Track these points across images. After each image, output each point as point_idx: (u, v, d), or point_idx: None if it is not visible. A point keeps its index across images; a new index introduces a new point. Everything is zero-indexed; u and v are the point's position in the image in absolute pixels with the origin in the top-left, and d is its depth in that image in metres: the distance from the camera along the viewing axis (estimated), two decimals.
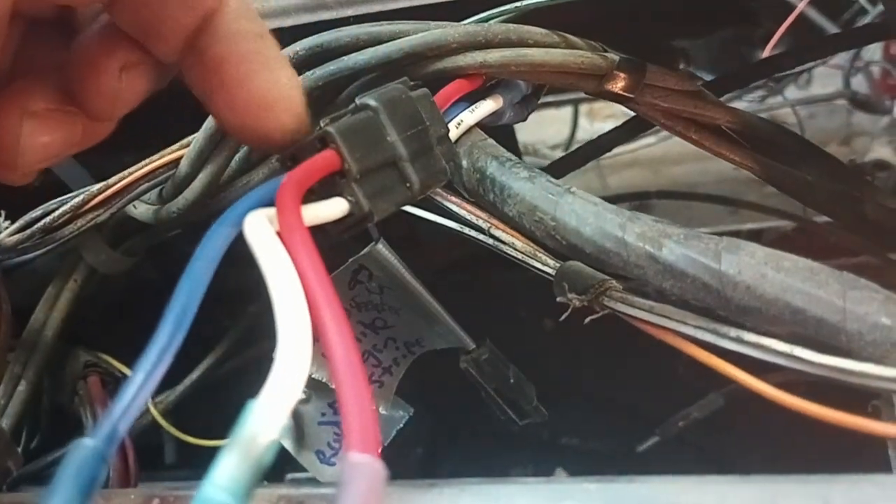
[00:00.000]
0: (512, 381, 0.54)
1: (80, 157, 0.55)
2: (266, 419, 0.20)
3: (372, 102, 0.31)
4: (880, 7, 0.83)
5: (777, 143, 0.47)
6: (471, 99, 0.40)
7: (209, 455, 0.19)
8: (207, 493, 0.18)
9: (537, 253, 0.38)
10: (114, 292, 0.65)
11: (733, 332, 0.28)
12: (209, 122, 0.43)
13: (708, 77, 0.55)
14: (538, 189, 0.33)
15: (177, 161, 0.46)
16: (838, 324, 0.25)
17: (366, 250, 0.53)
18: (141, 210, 0.49)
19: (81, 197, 0.45)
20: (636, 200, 0.80)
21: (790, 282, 0.26)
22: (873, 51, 1.18)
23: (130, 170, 0.46)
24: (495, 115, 0.40)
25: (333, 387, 0.58)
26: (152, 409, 0.62)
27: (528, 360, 0.61)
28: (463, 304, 0.57)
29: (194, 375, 0.63)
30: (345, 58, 0.39)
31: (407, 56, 0.38)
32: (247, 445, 0.19)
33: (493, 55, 0.38)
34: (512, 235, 0.40)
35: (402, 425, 0.62)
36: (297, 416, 0.62)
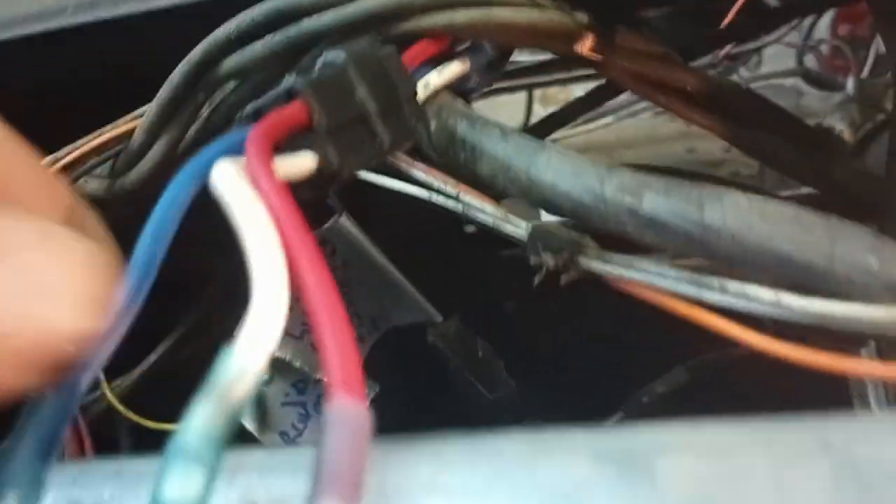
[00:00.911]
0: (480, 354, 0.53)
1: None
2: (244, 365, 0.19)
3: (341, 57, 0.30)
4: None
5: (745, 107, 0.47)
6: (437, 62, 0.39)
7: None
8: (181, 442, 0.17)
9: (508, 215, 0.37)
10: None
11: (716, 282, 0.28)
12: (164, 90, 0.41)
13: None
14: (512, 146, 0.32)
15: (129, 133, 0.44)
16: (826, 267, 0.25)
17: (329, 223, 0.52)
18: (93, 186, 0.47)
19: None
20: None
21: (776, 229, 0.26)
22: (823, 30, 1.20)
23: (80, 143, 0.43)
24: (462, 78, 0.39)
25: (297, 364, 0.57)
26: (108, 394, 0.60)
27: (491, 339, 0.60)
28: (427, 279, 0.56)
29: (151, 359, 0.61)
30: (305, 20, 0.38)
31: (371, 17, 0.37)
32: (223, 393, 0.18)
33: (460, 15, 0.37)
34: (482, 200, 0.39)
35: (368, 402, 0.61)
36: (260, 397, 0.60)
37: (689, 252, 0.28)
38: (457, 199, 0.40)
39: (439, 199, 0.41)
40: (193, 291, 0.63)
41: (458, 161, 0.34)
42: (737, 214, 0.27)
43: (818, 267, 0.25)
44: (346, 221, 0.50)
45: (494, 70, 0.44)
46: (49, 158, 0.43)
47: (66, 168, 0.43)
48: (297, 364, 0.56)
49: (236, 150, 0.24)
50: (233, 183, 0.22)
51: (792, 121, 0.48)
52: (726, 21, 0.62)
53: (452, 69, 0.38)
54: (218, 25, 0.40)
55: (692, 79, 0.44)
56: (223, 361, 0.18)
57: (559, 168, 0.30)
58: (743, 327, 0.28)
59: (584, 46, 0.41)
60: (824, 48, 1.22)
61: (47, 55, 0.46)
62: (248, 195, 0.21)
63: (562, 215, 0.31)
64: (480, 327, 0.59)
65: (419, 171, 0.41)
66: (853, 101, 1.03)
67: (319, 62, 0.30)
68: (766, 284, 0.27)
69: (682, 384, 0.86)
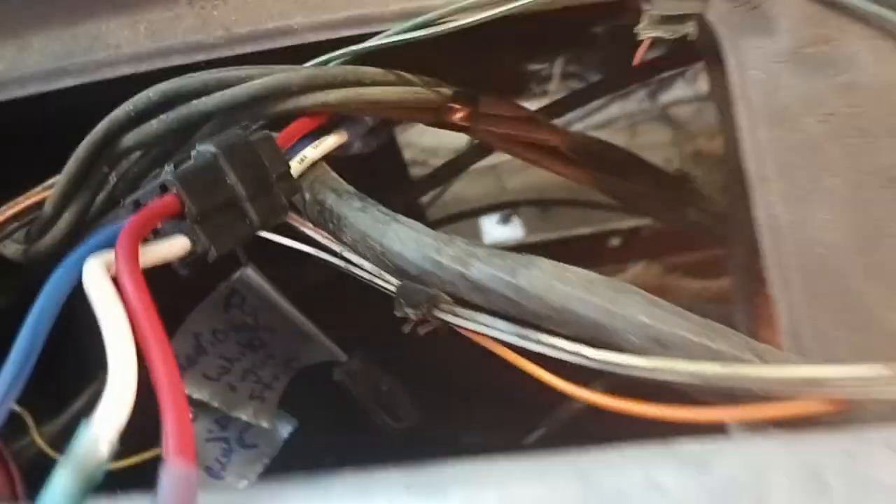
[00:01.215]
0: (384, 388, 0.58)
1: None
2: (97, 438, 0.23)
3: (211, 149, 0.34)
4: None
5: (607, 158, 0.52)
6: (316, 135, 0.44)
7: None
8: None
9: (382, 273, 0.42)
10: None
11: (534, 335, 0.33)
12: (71, 164, 0.45)
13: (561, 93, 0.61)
14: (368, 218, 0.37)
15: (42, 202, 0.48)
16: (608, 324, 0.30)
17: (235, 275, 0.56)
18: (11, 249, 0.50)
19: None
20: (508, 209, 0.85)
21: (572, 291, 0.31)
22: None
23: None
24: (341, 147, 0.44)
25: (215, 405, 0.61)
26: (37, 439, 0.63)
27: (404, 366, 0.64)
28: (335, 319, 0.60)
29: (80, 401, 0.64)
30: (194, 101, 0.42)
31: (252, 99, 0.42)
32: (79, 462, 0.22)
33: (333, 95, 0.42)
34: (361, 257, 0.44)
35: (286, 437, 0.65)
36: None
37: (509, 312, 0.33)
38: (341, 256, 0.44)
39: (327, 257, 0.46)
40: None
41: (328, 228, 0.39)
42: (542, 279, 0.32)
43: (602, 323, 0.30)
44: (251, 272, 0.54)
45: (377, 135, 0.49)
46: None
47: None
48: (216, 404, 0.60)
49: (112, 243, 0.29)
50: (96, 281, 0.26)
51: (650, 168, 0.54)
52: (636, 61, 0.67)
53: (329, 142, 0.43)
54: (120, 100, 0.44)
55: (556, 137, 0.50)
56: (81, 433, 0.23)
57: (405, 239, 0.35)
58: (558, 377, 0.33)
59: (452, 117, 0.46)
60: None
61: None
62: (108, 293, 0.26)
63: (410, 280, 0.36)
64: (392, 356, 0.64)
65: (309, 230, 0.45)
66: None
67: (193, 153, 0.35)
68: (570, 338, 0.32)
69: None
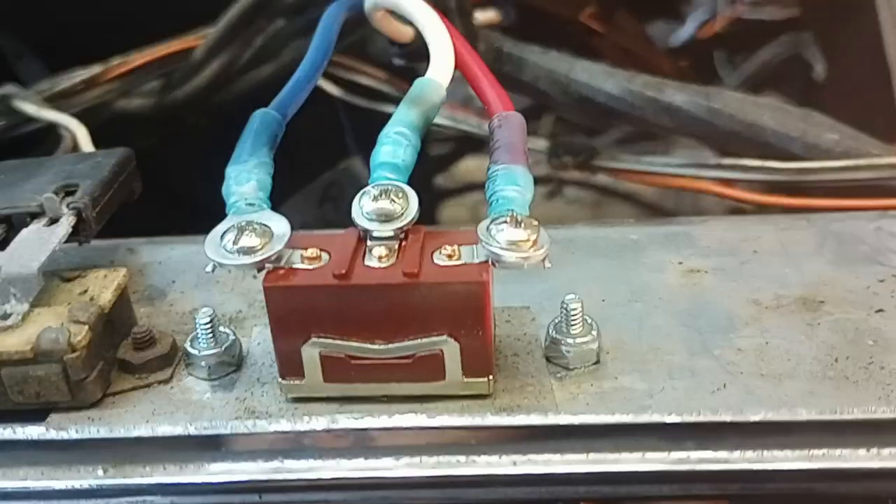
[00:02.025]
0: None
1: None
2: (434, 83, 0.25)
3: None
4: None
5: None
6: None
7: None
8: (391, 129, 0.23)
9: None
10: None
11: (712, 160, 0.36)
12: (231, 13, 0.47)
13: None
14: (551, 58, 0.40)
15: (181, 52, 0.50)
16: (800, 138, 0.34)
17: (342, 165, 0.58)
18: (137, 103, 0.52)
19: (100, 67, 0.47)
20: None
21: (763, 111, 0.35)
22: None
23: (146, 50, 0.49)
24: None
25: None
26: None
27: None
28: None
29: None
30: None
31: None
32: (420, 100, 0.24)
33: None
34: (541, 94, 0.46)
35: None
36: None
37: (695, 132, 0.36)
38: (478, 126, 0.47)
39: (462, 126, 0.48)
40: None
41: (500, 73, 0.42)
42: (734, 101, 0.35)
43: (794, 137, 0.34)
44: (359, 163, 0.56)
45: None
46: (118, 59, 0.48)
47: (115, 78, 0.48)
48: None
49: None
50: None
51: None
52: None
53: (489, 15, 0.47)
54: None
55: (667, 64, 0.54)
56: (419, 84, 0.25)
57: (593, 71, 0.38)
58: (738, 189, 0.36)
59: (592, 17, 0.50)
60: None
61: None
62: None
63: (592, 106, 0.39)
64: None
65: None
66: None
67: None
68: (751, 155, 0.35)
69: None
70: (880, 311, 0.24)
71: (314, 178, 0.56)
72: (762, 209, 0.35)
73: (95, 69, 0.47)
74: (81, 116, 0.45)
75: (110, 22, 0.51)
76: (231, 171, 0.23)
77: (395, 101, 0.28)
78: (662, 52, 0.54)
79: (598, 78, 0.38)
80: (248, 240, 0.21)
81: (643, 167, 0.39)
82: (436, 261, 0.21)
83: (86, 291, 0.24)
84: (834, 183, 0.33)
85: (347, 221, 0.22)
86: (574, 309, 0.23)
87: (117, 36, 0.49)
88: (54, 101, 0.46)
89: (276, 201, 0.24)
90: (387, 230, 0.22)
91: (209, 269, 0.21)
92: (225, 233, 0.21)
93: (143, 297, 0.28)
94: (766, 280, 0.25)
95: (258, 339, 0.25)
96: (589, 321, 0.23)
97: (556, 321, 0.23)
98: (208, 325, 0.24)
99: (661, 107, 0.36)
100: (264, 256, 0.21)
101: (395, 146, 0.23)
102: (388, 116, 0.24)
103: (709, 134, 0.36)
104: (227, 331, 0.24)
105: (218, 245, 0.21)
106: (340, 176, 0.57)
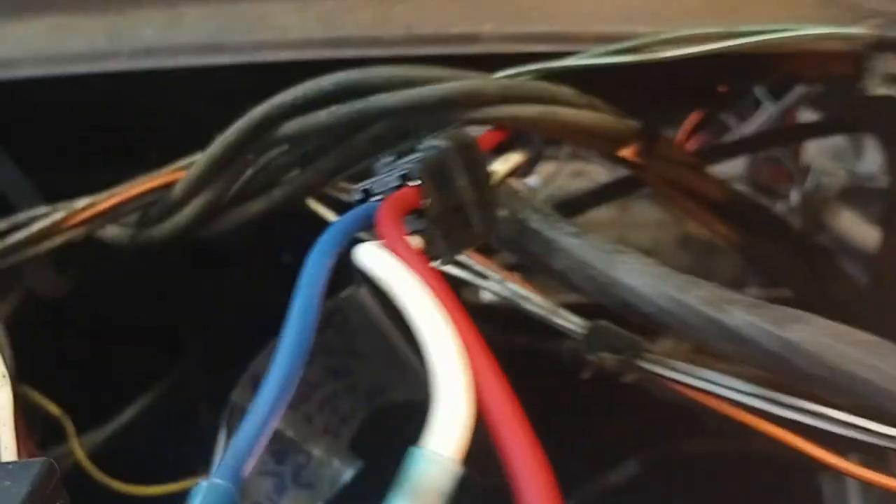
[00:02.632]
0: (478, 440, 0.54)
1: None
2: (441, 466, 0.18)
3: (443, 144, 0.30)
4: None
5: (758, 220, 0.49)
6: (496, 152, 0.40)
7: None
8: None
9: (558, 309, 0.38)
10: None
11: (791, 400, 0.29)
12: (217, 145, 0.41)
13: None
14: (587, 246, 0.33)
15: (165, 185, 0.43)
16: None
17: (346, 293, 0.52)
18: (113, 232, 0.45)
19: (63, 213, 0.41)
20: None
21: (854, 353, 0.28)
22: None
23: (117, 189, 0.42)
24: (520, 167, 0.41)
25: (289, 435, 0.56)
26: (77, 450, 0.57)
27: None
28: None
29: (127, 414, 0.58)
30: (374, 97, 0.39)
31: (442, 102, 0.38)
32: (419, 492, 0.18)
33: (528, 110, 0.39)
34: (529, 290, 0.40)
35: (347, 480, 0.59)
36: None
37: (768, 366, 0.29)
38: (503, 284, 0.40)
39: (480, 283, 0.42)
40: (179, 342, 0.61)
41: (527, 252, 0.35)
42: (815, 335, 0.28)
43: (892, 391, 0.27)
44: (365, 293, 0.50)
45: (537, 162, 0.46)
46: (85, 201, 0.42)
47: (98, 214, 0.42)
48: (290, 434, 0.54)
49: (353, 231, 0.25)
50: (390, 265, 0.22)
51: (796, 236, 0.51)
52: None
53: (515, 159, 0.40)
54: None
55: (719, 190, 0.47)
56: (417, 465, 0.18)
57: (641, 272, 0.31)
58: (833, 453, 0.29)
59: (629, 152, 0.43)
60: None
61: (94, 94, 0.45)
62: (411, 279, 0.21)
63: (636, 319, 0.32)
64: None
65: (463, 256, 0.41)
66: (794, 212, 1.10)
67: (420, 147, 0.31)
68: (840, 407, 0.28)
69: (636, 475, 0.87)
70: None
71: None
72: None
73: (57, 215, 0.41)
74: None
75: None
76: None
77: None
78: (714, 180, 0.47)
79: (644, 283, 0.31)
80: None
81: (700, 384, 0.32)
82: None
83: None
84: None
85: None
86: None
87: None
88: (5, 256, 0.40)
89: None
90: None
91: None
92: None
93: None
94: None
95: None
96: None
97: None
98: None
99: (722, 331, 0.30)
100: None
101: None
102: None
103: (782, 373, 0.29)
104: None
105: None
106: (344, 304, 0.51)
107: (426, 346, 0.20)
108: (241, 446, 0.19)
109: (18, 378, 0.56)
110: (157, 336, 0.59)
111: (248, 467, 0.19)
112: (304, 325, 0.21)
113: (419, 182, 0.28)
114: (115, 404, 0.60)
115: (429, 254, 0.28)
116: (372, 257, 0.23)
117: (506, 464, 0.18)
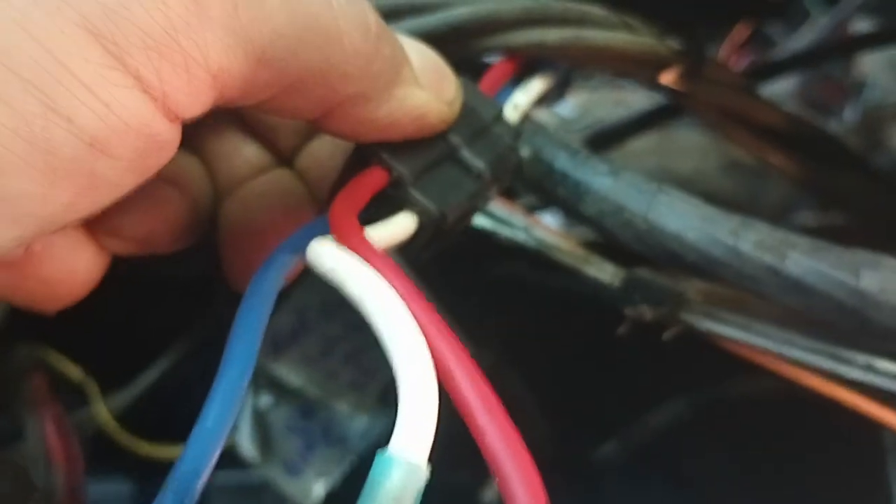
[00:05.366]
0: (511, 395, 0.51)
1: None
2: (410, 472, 0.15)
3: None
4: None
5: (820, 147, 0.44)
6: (515, 81, 0.36)
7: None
8: None
9: (591, 256, 0.35)
10: None
11: (861, 358, 0.25)
12: None
13: None
14: (625, 185, 0.29)
15: None
16: None
17: None
18: None
19: None
20: None
21: None
22: None
23: None
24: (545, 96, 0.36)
25: (313, 391, 0.53)
26: (102, 412, 0.55)
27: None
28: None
29: (148, 378, 0.56)
30: None
31: (453, 30, 0.34)
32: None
33: (552, 35, 0.34)
34: (557, 237, 0.36)
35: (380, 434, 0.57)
36: (263, 422, 0.57)
37: (840, 320, 0.25)
38: (528, 232, 0.37)
39: (504, 231, 0.38)
40: (203, 298, 0.58)
41: (554, 196, 0.31)
42: (894, 283, 0.24)
43: None
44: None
45: (563, 90, 0.41)
46: None
47: None
48: (314, 390, 0.52)
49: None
50: (338, 257, 0.18)
51: (861, 163, 0.46)
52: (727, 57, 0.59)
53: (536, 87, 0.35)
54: None
55: (775, 115, 0.42)
56: (384, 471, 0.15)
57: (684, 215, 0.27)
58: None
59: (671, 78, 0.38)
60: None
61: None
62: (363, 271, 0.18)
63: (681, 266, 0.28)
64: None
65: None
66: (850, 132, 1.03)
67: None
68: None
69: (681, 417, 0.84)
70: None
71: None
72: None
73: None
74: None
75: None
76: None
77: None
78: (766, 102, 0.41)
79: (691, 226, 0.27)
80: None
81: (754, 339, 0.28)
82: None
83: None
84: None
85: None
86: None
87: None
88: None
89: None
90: None
91: None
92: None
93: None
94: None
95: None
96: None
97: None
98: None
99: (783, 281, 0.25)
100: None
101: None
102: None
103: (857, 326, 0.25)
104: None
105: None
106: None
107: (386, 345, 0.17)
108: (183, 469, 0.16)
109: (42, 340, 0.54)
110: (192, 287, 0.57)
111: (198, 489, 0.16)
112: (249, 342, 0.18)
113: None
114: (145, 359, 0.58)
115: (426, 222, 0.25)
116: (319, 255, 0.19)
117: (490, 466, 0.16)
